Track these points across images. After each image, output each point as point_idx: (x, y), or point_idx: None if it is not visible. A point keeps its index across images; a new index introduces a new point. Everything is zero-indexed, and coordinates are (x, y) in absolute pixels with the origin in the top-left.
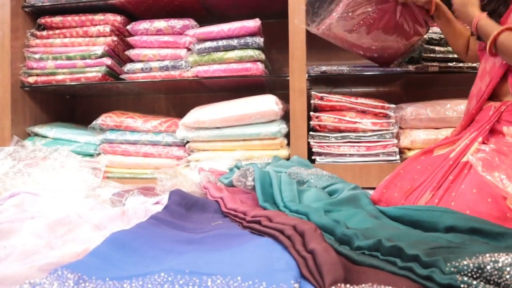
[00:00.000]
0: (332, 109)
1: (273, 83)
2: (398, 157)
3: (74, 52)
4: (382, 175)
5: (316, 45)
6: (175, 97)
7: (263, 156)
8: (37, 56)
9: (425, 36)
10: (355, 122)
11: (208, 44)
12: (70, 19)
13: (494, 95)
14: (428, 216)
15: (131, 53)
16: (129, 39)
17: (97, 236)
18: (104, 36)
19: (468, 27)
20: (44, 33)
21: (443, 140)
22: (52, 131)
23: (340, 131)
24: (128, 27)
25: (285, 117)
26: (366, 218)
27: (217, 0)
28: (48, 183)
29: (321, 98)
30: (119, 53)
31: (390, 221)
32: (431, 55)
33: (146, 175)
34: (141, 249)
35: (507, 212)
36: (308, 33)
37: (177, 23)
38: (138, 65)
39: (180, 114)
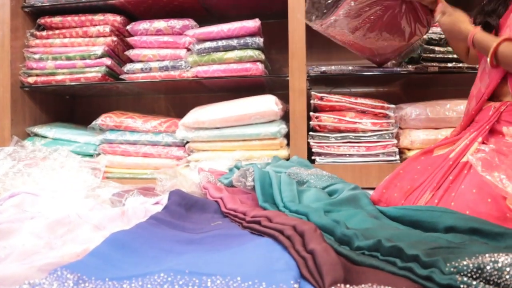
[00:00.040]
0: (332, 109)
1: (273, 83)
2: (397, 157)
3: (74, 52)
4: (382, 175)
5: (316, 45)
6: (175, 97)
7: (262, 156)
8: (36, 56)
9: (425, 36)
10: (355, 122)
11: (207, 44)
12: (69, 19)
13: (494, 95)
14: (428, 216)
15: (130, 53)
16: (128, 39)
17: (97, 236)
18: (104, 36)
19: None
20: (44, 33)
21: (443, 140)
22: (51, 131)
23: (340, 131)
24: (128, 27)
25: (285, 117)
26: (366, 218)
27: (216, 0)
28: (47, 183)
29: (321, 98)
30: (119, 53)
31: (390, 221)
32: (431, 55)
33: (145, 175)
34: (141, 250)
35: (506, 212)
36: (308, 33)
37: (177, 23)
38: (138, 65)
39: (180, 114)
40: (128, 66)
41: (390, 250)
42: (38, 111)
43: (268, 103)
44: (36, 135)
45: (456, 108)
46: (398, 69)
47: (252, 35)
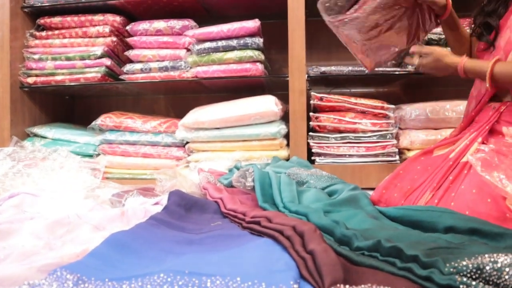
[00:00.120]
0: (332, 109)
1: (273, 83)
2: (397, 157)
3: (74, 53)
4: (382, 176)
5: (316, 46)
6: (175, 98)
7: (262, 156)
8: (36, 56)
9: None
10: (355, 123)
11: (207, 44)
12: (69, 19)
13: (494, 96)
14: (428, 216)
15: (130, 53)
16: (128, 39)
17: (97, 236)
18: (104, 36)
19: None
20: (44, 33)
21: (442, 141)
22: (51, 131)
23: (340, 131)
24: (127, 27)
25: (285, 117)
26: (366, 218)
27: (216, 0)
28: (47, 184)
29: (321, 99)
30: (119, 53)
31: (390, 221)
32: None
33: (145, 176)
34: (141, 250)
35: (506, 212)
36: (308, 34)
37: (177, 23)
38: (138, 66)
39: (180, 114)
40: (128, 67)
41: (390, 250)
42: (37, 112)
43: (268, 103)
44: (35, 135)
45: (455, 109)
46: (398, 69)
47: (251, 35)
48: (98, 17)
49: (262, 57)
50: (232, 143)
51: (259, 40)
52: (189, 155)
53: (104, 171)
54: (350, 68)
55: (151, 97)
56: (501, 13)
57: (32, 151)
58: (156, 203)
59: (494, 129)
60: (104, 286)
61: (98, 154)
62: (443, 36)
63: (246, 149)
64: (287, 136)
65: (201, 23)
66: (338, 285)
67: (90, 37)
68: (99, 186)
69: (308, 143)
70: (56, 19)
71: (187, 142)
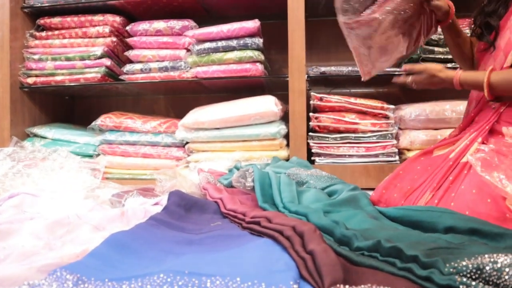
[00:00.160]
0: (332, 110)
1: (273, 84)
2: (397, 157)
3: (73, 53)
4: (382, 176)
5: (316, 46)
6: (175, 98)
7: (262, 157)
8: (36, 57)
9: None
10: (355, 123)
11: (207, 45)
12: (69, 20)
13: None
14: (428, 216)
15: (130, 53)
16: (128, 40)
17: (96, 237)
18: (104, 37)
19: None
20: (43, 33)
21: (442, 141)
22: (51, 132)
23: (340, 132)
24: (127, 27)
25: (285, 118)
26: (366, 219)
27: (216, 0)
28: (47, 184)
29: (321, 99)
30: (119, 54)
31: (390, 221)
32: (430, 56)
33: (145, 176)
34: (141, 250)
35: (506, 212)
36: (308, 34)
37: (177, 24)
38: (138, 66)
39: (180, 115)
40: (128, 67)
41: (390, 250)
42: (37, 112)
43: (268, 103)
44: (35, 135)
45: (455, 109)
46: (398, 69)
47: (251, 35)
48: (98, 18)
49: (262, 57)
50: (232, 143)
51: (259, 41)
52: (189, 155)
53: (104, 171)
54: (349, 68)
55: (151, 97)
56: (501, 14)
57: (32, 151)
58: (156, 204)
59: (494, 129)
60: (104, 286)
61: (98, 154)
62: (442, 37)
63: (246, 149)
64: (287, 136)
65: (201, 23)
66: (338, 285)
67: (90, 37)
68: (99, 186)
69: (308, 143)
70: (56, 20)
71: (187, 142)
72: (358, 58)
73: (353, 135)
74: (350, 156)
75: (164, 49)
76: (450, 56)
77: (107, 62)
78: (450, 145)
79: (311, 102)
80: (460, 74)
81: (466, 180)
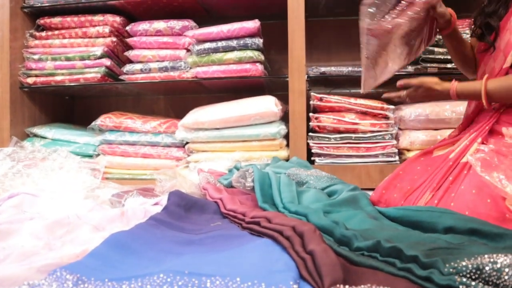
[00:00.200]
0: (332, 110)
1: (273, 84)
2: (397, 158)
3: (73, 53)
4: (382, 176)
5: (316, 46)
6: (174, 98)
7: (262, 157)
8: (36, 57)
9: None
10: (355, 123)
11: (207, 45)
12: (69, 20)
13: None
14: (427, 216)
15: (130, 54)
16: (128, 40)
17: (96, 237)
18: (103, 37)
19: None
20: (43, 33)
21: (442, 141)
22: (51, 132)
23: (340, 132)
24: (127, 28)
25: (285, 118)
26: (365, 219)
27: (216, 1)
28: (47, 184)
29: (321, 99)
30: (118, 54)
31: (389, 222)
32: (430, 56)
33: (145, 176)
34: (140, 250)
35: (506, 212)
36: (308, 34)
37: (177, 24)
38: (137, 66)
39: (179, 115)
40: (128, 67)
41: (390, 251)
42: (37, 112)
43: (268, 104)
44: (35, 135)
45: (455, 109)
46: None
47: (251, 36)
48: (98, 18)
49: (262, 57)
50: (232, 143)
51: (259, 41)
52: (188, 156)
53: (103, 172)
54: (349, 68)
55: (151, 98)
56: (502, 14)
57: (31, 152)
58: (156, 204)
59: (494, 129)
60: (103, 287)
61: (98, 155)
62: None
63: (246, 150)
64: (287, 137)
65: (201, 23)
66: (337, 285)
67: (90, 37)
68: (98, 186)
69: (307, 144)
70: (56, 20)
71: (187, 143)
72: (366, 69)
73: (353, 135)
74: (350, 156)
75: (164, 49)
76: (449, 57)
77: (107, 62)
78: (450, 146)
79: (311, 102)
80: (456, 86)
81: (466, 180)
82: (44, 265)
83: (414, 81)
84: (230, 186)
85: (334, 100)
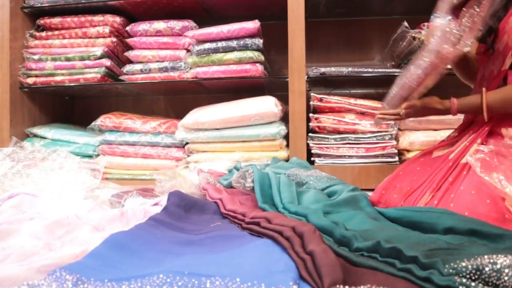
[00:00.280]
0: (331, 110)
1: (273, 84)
2: (397, 158)
3: (73, 53)
4: (381, 177)
5: (316, 47)
6: (174, 98)
7: (262, 157)
8: (36, 57)
9: (424, 38)
10: (354, 124)
11: (207, 45)
12: (69, 20)
13: None
14: (427, 217)
15: (130, 54)
16: (128, 40)
17: (96, 237)
18: (103, 37)
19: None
20: (43, 34)
21: (442, 142)
22: (51, 132)
23: (339, 132)
24: (127, 28)
25: (285, 118)
26: (365, 219)
27: (216, 1)
28: (47, 184)
29: (320, 100)
30: (118, 54)
31: (389, 222)
32: None
33: (145, 176)
34: (140, 251)
35: (505, 213)
36: (308, 35)
37: (177, 24)
38: (137, 66)
39: (179, 115)
40: (128, 67)
41: (389, 251)
42: (37, 112)
43: (268, 104)
44: (35, 136)
45: None
46: (398, 70)
47: (251, 36)
48: (98, 18)
49: (262, 58)
50: (231, 143)
51: (259, 41)
52: (188, 156)
53: (103, 172)
54: (349, 69)
55: (151, 98)
56: (501, 16)
57: (31, 152)
58: (156, 204)
59: (493, 130)
60: (103, 287)
61: (98, 155)
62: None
63: (246, 150)
64: (286, 137)
65: (201, 23)
66: (337, 286)
67: (90, 37)
68: (98, 186)
69: (307, 144)
70: (56, 20)
71: (187, 143)
72: (392, 99)
73: (353, 135)
74: (350, 156)
75: (164, 50)
76: None
77: (107, 62)
78: (450, 146)
79: (311, 102)
80: (455, 102)
81: (466, 181)
82: (44, 265)
83: (418, 103)
84: (230, 186)
85: (334, 100)
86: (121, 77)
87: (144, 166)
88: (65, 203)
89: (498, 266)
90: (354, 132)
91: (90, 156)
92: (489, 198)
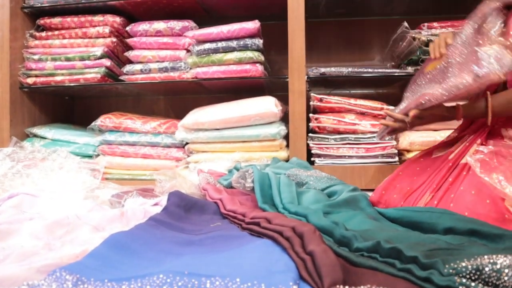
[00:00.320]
0: (331, 110)
1: (273, 84)
2: (397, 158)
3: (73, 53)
4: (381, 177)
5: (316, 47)
6: (174, 99)
7: (262, 157)
8: (36, 57)
9: (424, 38)
10: (354, 124)
11: (207, 45)
12: (69, 20)
13: None
14: (427, 217)
15: (130, 54)
16: (128, 40)
17: (96, 237)
18: (103, 37)
19: None
20: (43, 34)
21: (442, 142)
22: (51, 132)
23: (339, 132)
24: (127, 28)
25: (285, 118)
26: (365, 219)
27: (216, 1)
28: (46, 184)
29: (320, 100)
30: (118, 54)
31: (389, 222)
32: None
33: (145, 177)
34: (140, 251)
35: (505, 213)
36: (308, 35)
37: (177, 24)
38: (137, 66)
39: (179, 115)
40: (128, 67)
41: (389, 251)
42: (37, 112)
43: (268, 104)
44: (35, 136)
45: None
46: (397, 70)
47: (251, 36)
48: (98, 18)
49: (262, 58)
50: (231, 144)
51: (259, 41)
52: (188, 156)
53: (103, 172)
54: (349, 69)
55: (150, 98)
56: None
57: (31, 152)
58: (156, 204)
59: (493, 131)
60: (103, 287)
61: (98, 155)
62: None
63: (246, 150)
64: (286, 137)
65: (201, 24)
66: (337, 286)
67: (90, 37)
68: (98, 186)
69: (307, 144)
70: (56, 20)
71: (187, 143)
72: (405, 109)
73: (353, 136)
74: (350, 157)
75: (164, 50)
76: None
77: (107, 62)
78: (450, 146)
79: (311, 103)
80: (461, 110)
81: (466, 181)
82: (44, 265)
83: (426, 113)
84: (230, 186)
85: (334, 100)
86: (121, 77)
87: (144, 166)
88: (65, 203)
89: (498, 266)
90: (354, 132)
91: (90, 156)
92: (489, 198)
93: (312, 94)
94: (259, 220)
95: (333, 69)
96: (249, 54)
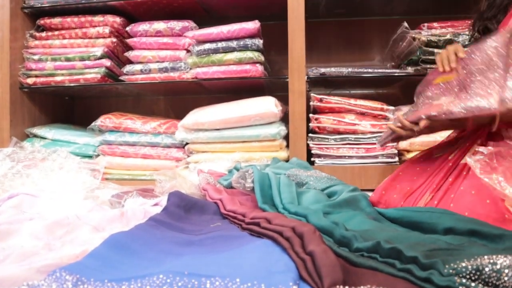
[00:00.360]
0: (331, 111)
1: (273, 85)
2: (397, 159)
3: (73, 53)
4: (381, 177)
5: (316, 47)
6: (174, 99)
7: (262, 158)
8: (36, 57)
9: (424, 38)
10: (354, 124)
11: (207, 45)
12: (69, 20)
13: None
14: (427, 217)
15: (130, 54)
16: (128, 40)
17: (96, 237)
18: (103, 37)
19: None
20: (43, 34)
21: (442, 142)
22: (51, 132)
23: (339, 133)
24: (127, 28)
25: (285, 119)
26: (365, 220)
27: (216, 1)
28: (46, 185)
29: (320, 100)
30: (118, 54)
31: (389, 222)
32: (430, 57)
33: (145, 177)
34: (140, 251)
35: (505, 213)
36: (308, 35)
37: (177, 24)
38: (137, 67)
39: (179, 115)
40: (128, 67)
41: (389, 251)
42: (37, 112)
43: (268, 104)
44: (35, 136)
45: None
46: (397, 71)
47: (251, 36)
48: (98, 18)
49: (262, 58)
50: (231, 144)
51: (259, 42)
52: (188, 156)
53: (103, 172)
54: (349, 69)
55: (150, 98)
56: (500, 19)
57: (31, 152)
58: (156, 204)
59: (493, 131)
60: (103, 287)
61: (98, 155)
62: (442, 38)
63: (246, 150)
64: (286, 137)
65: (201, 24)
66: (337, 286)
67: (90, 38)
68: (98, 187)
69: (307, 144)
70: (56, 20)
71: (187, 143)
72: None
73: (353, 136)
74: (350, 157)
75: (164, 50)
76: None
77: (107, 62)
78: (450, 147)
79: (311, 103)
80: (471, 122)
81: (466, 181)
82: (44, 266)
83: (437, 123)
84: (230, 186)
85: (334, 101)
86: (121, 78)
87: (144, 166)
88: (65, 203)
89: (498, 267)
90: (354, 132)
91: (90, 157)
92: (489, 198)
93: (312, 94)
94: (259, 220)
95: (333, 69)
96: (249, 54)
